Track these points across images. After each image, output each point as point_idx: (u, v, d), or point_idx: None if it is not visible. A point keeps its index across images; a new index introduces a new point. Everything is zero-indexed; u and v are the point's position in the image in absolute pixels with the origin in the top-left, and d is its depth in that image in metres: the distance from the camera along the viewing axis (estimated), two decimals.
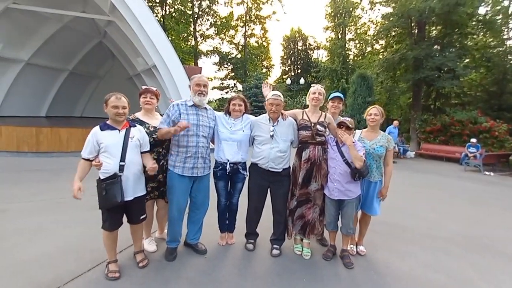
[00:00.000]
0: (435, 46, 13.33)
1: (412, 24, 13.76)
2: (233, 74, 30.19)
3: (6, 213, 3.61)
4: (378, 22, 18.15)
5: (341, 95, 3.10)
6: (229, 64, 29.83)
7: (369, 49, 26.01)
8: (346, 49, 26.70)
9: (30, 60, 12.41)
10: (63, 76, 14.87)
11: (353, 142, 2.53)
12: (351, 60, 27.36)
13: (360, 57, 26.84)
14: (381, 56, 20.24)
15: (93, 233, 2.91)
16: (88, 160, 2.21)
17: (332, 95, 3.04)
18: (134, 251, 2.57)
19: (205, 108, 2.69)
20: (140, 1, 9.07)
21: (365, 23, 24.81)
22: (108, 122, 2.26)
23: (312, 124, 2.69)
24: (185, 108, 2.55)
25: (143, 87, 2.78)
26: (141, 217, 2.42)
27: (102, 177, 2.19)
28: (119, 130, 2.25)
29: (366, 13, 21.16)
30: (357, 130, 2.89)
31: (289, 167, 2.82)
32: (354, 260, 2.78)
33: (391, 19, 13.40)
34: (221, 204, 2.94)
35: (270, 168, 2.68)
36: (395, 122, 10.00)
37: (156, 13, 23.33)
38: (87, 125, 9.00)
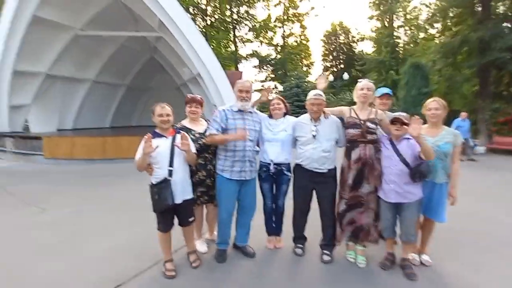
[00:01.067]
0: (504, 24, 11.42)
1: (475, 1, 12.01)
2: (273, 75, 30.28)
3: (82, 213, 4.15)
4: (432, 3, 16.29)
5: (390, 91, 2.85)
6: (268, 66, 30.01)
7: (422, 35, 23.57)
8: (394, 37, 24.60)
9: (96, 78, 14.19)
10: (122, 90, 16.68)
11: (411, 140, 2.29)
12: (401, 49, 25.11)
13: (411, 45, 24.48)
14: (437, 41, 18.12)
15: (150, 233, 3.12)
16: None
17: (379, 92, 2.80)
18: (187, 251, 2.70)
19: (250, 112, 2.72)
20: (184, 16, 9.71)
21: (416, 7, 22.57)
22: (156, 130, 2.44)
23: (362, 122, 2.50)
24: (231, 113, 2.61)
25: (189, 95, 2.90)
26: (190, 220, 2.55)
27: (154, 182, 2.36)
28: (167, 137, 2.40)
29: None
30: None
31: (335, 167, 2.70)
32: (418, 271, 2.49)
33: None
34: (267, 207, 2.94)
35: (314, 168, 2.61)
36: (463, 114, 8.58)
37: (198, 24, 24.69)
38: (143, 133, 9.90)
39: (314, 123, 2.65)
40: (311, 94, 2.66)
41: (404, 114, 2.35)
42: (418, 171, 2.25)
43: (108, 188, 5.71)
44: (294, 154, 2.81)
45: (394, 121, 2.35)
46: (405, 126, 2.28)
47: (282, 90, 20.77)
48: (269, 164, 2.75)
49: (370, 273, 2.50)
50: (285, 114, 2.88)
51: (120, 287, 2.32)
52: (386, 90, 2.78)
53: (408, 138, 2.33)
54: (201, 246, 2.92)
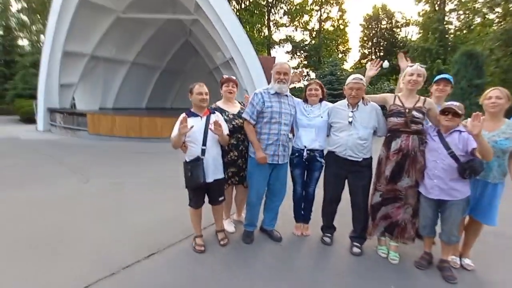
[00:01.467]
0: None
1: None
2: (306, 62, 29.29)
3: (123, 185, 4.47)
4: None
5: (449, 77, 2.59)
6: (302, 52, 29.02)
7: (478, 20, 21.01)
8: (445, 22, 22.24)
9: (134, 60, 14.84)
10: (157, 73, 17.30)
11: (464, 132, 2.07)
12: (451, 36, 22.70)
13: (464, 31, 21.99)
14: (495, 28, 16.01)
15: (182, 209, 3.26)
16: None
17: (437, 77, 2.57)
18: (216, 230, 2.78)
19: (286, 95, 2.65)
20: None
21: None
22: (192, 110, 2.48)
23: (407, 110, 2.29)
24: (268, 96, 2.56)
25: (224, 76, 2.90)
26: (220, 199, 2.60)
27: (187, 160, 2.43)
28: (201, 117, 2.43)
29: None
30: (468, 120, 2.33)
31: (371, 157, 2.56)
32: (458, 274, 2.31)
33: None
34: (297, 193, 2.89)
35: (348, 156, 2.49)
36: None
37: (232, 7, 24.42)
38: (176, 115, 10.25)
39: (352, 109, 2.52)
40: (351, 78, 2.53)
41: (457, 103, 2.11)
42: (470, 167, 2.03)
43: (144, 164, 6.05)
44: (328, 140, 2.73)
45: (445, 111, 2.13)
46: (457, 118, 2.06)
47: (315, 77, 20.07)
48: (303, 150, 2.70)
49: (404, 271, 2.37)
50: (321, 100, 2.78)
51: (155, 255, 2.48)
52: (445, 75, 2.53)
53: (460, 131, 2.11)
54: (229, 226, 2.99)
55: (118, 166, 5.81)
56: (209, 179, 2.44)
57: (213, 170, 2.47)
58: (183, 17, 12.62)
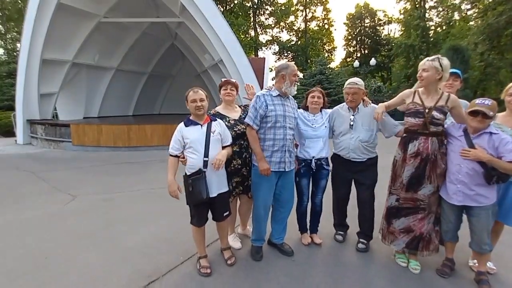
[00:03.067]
0: None
1: None
2: (293, 62, 29.39)
3: (112, 201, 4.12)
4: None
5: (458, 71, 2.45)
6: (289, 52, 29.09)
7: (457, 16, 21.69)
8: (426, 19, 22.82)
9: (119, 66, 14.31)
10: (143, 78, 16.77)
11: (495, 135, 1.90)
12: (432, 32, 23.32)
13: (444, 28, 22.62)
14: (472, 23, 16.49)
15: (182, 224, 3.00)
16: (176, 156, 2.23)
17: None
18: (221, 247, 2.54)
19: (288, 97, 2.48)
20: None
21: None
22: (191, 117, 2.25)
23: (426, 110, 2.10)
24: (271, 99, 2.35)
25: (223, 79, 2.69)
26: (225, 214, 2.36)
27: (188, 173, 2.18)
28: (201, 125, 2.21)
29: None
30: (498, 115, 2.17)
31: (376, 156, 2.55)
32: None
33: None
34: (303, 205, 2.76)
35: (352, 158, 2.52)
36: None
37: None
38: (166, 121, 9.90)
39: (353, 112, 2.54)
40: (347, 83, 2.57)
41: (489, 102, 1.89)
42: (497, 174, 1.86)
43: (135, 176, 5.70)
44: (331, 144, 2.70)
45: (473, 113, 1.92)
46: (488, 119, 1.89)
47: (303, 77, 20.06)
48: (310, 160, 2.61)
49: (427, 281, 2.21)
50: (321, 108, 2.71)
51: (155, 282, 2.20)
52: (453, 69, 2.37)
53: (491, 132, 1.92)
54: (234, 242, 2.74)
55: (106, 179, 5.44)
56: (213, 193, 2.20)
57: (217, 183, 2.23)
58: (168, 20, 12.26)
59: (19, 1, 23.25)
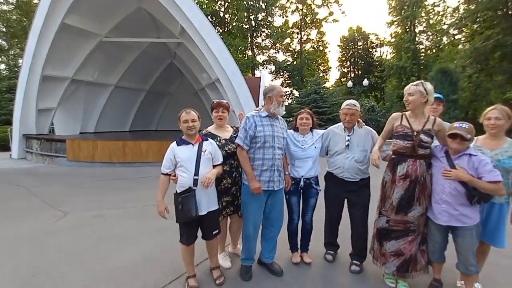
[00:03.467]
0: None
1: (509, 4, 11.35)
2: (289, 81, 30.09)
3: (103, 218, 4.09)
4: (459, 8, 15.61)
5: (441, 96, 2.60)
6: (285, 72, 29.87)
7: (445, 40, 22.68)
8: (416, 42, 23.82)
9: (117, 83, 14.57)
10: (142, 95, 17.04)
11: (474, 156, 1.98)
12: (422, 55, 24.27)
13: (434, 51, 23.59)
14: (461, 47, 17.25)
15: (171, 243, 3.00)
16: (167, 175, 2.28)
17: None
18: (211, 266, 2.53)
19: (277, 118, 2.57)
20: (206, 23, 9.76)
21: (439, 12, 21.78)
22: (183, 137, 2.33)
23: (415, 133, 2.18)
24: (260, 120, 2.45)
25: (215, 101, 2.79)
26: (214, 233, 2.38)
27: (178, 191, 2.23)
28: (193, 145, 2.28)
29: (441, 0, 18.36)
30: (478, 137, 2.26)
31: (369, 177, 2.62)
32: None
33: (479, 0, 11.29)
34: (293, 223, 2.80)
35: (345, 177, 2.58)
36: None
37: (216, 31, 25.03)
38: (161, 138, 9.98)
39: (348, 132, 2.62)
40: (345, 104, 2.64)
41: (467, 126, 2.00)
42: (478, 194, 1.94)
43: (128, 192, 5.68)
44: (323, 162, 2.76)
45: (452, 136, 2.02)
46: (466, 142, 1.99)
47: (299, 96, 20.51)
48: (299, 179, 2.69)
49: None
50: (311, 129, 2.80)
51: None
52: (436, 94, 2.51)
53: (471, 154, 2.01)
54: (224, 261, 2.74)
55: (98, 195, 5.41)
56: (202, 211, 2.24)
57: (207, 201, 2.28)
58: (167, 41, 12.68)
59: (24, 19, 23.91)
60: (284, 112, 2.53)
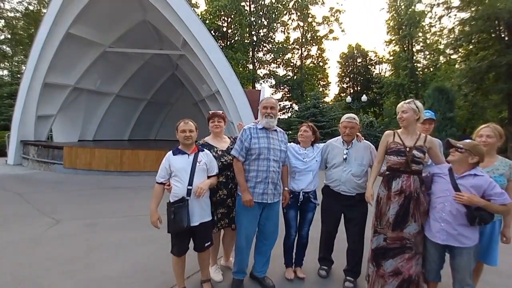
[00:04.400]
0: None
1: (501, 27, 11.73)
2: (289, 95, 30.44)
3: (96, 226, 4.04)
4: (456, 28, 16.08)
5: (433, 115, 2.66)
6: (285, 86, 30.27)
7: (442, 59, 23.24)
8: (413, 61, 24.38)
9: (119, 92, 14.72)
10: (142, 104, 17.18)
11: (481, 177, 1.94)
12: (420, 73, 24.79)
13: (431, 69, 24.12)
14: (457, 66, 17.67)
15: (163, 253, 2.95)
16: (162, 184, 2.28)
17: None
18: (201, 279, 2.49)
19: (276, 130, 2.59)
20: (208, 36, 10.02)
21: (435, 32, 22.41)
22: (179, 147, 2.35)
23: (407, 149, 2.21)
24: (256, 132, 2.47)
25: (211, 111, 2.82)
26: (206, 245, 2.35)
27: (171, 201, 2.23)
28: (189, 155, 2.30)
29: (437, 21, 18.96)
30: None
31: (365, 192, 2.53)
32: None
33: (473, 23, 11.69)
34: (290, 238, 2.76)
35: (341, 191, 2.58)
36: None
37: (218, 44, 25.55)
38: (160, 147, 9.99)
39: (347, 146, 2.64)
40: (344, 117, 2.67)
41: (468, 141, 2.02)
42: (479, 215, 1.90)
43: (123, 201, 5.63)
44: (321, 176, 2.76)
45: (448, 146, 2.05)
46: (459, 153, 1.99)
47: (298, 110, 20.71)
48: (298, 193, 2.67)
49: None
50: (313, 142, 2.80)
51: None
52: (428, 113, 2.56)
53: (476, 174, 1.98)
54: (215, 274, 2.68)
55: (93, 203, 5.35)
56: (195, 222, 2.22)
57: (200, 212, 2.26)
58: (170, 52, 12.94)
59: (31, 27, 24.36)
60: (274, 124, 2.51)
